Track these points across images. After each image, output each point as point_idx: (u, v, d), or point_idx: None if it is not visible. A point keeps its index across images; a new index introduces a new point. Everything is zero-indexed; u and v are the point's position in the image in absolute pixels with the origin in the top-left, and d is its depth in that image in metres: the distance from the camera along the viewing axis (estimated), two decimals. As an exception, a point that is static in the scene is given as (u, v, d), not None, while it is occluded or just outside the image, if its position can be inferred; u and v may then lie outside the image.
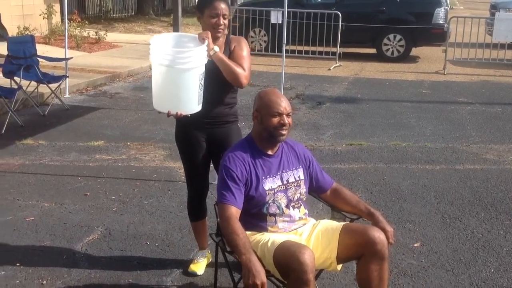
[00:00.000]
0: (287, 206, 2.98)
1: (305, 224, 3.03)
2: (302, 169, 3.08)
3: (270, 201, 2.93)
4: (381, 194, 5.09)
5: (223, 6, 3.31)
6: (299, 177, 3.05)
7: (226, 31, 3.42)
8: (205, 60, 3.20)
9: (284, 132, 2.95)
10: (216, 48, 3.26)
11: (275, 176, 2.98)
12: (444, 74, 11.48)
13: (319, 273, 3.03)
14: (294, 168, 3.06)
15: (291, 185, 3.01)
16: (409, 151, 6.34)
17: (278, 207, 2.95)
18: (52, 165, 5.63)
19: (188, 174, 3.62)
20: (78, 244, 4.00)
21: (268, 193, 2.93)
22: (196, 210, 3.69)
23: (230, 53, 3.40)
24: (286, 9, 7.51)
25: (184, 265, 3.74)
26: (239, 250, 2.64)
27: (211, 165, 3.62)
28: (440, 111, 8.33)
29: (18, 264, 3.70)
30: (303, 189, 3.06)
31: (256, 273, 2.53)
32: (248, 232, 2.82)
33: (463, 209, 4.77)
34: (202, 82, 3.22)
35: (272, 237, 2.83)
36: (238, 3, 20.63)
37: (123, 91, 9.30)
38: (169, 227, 4.31)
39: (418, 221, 4.53)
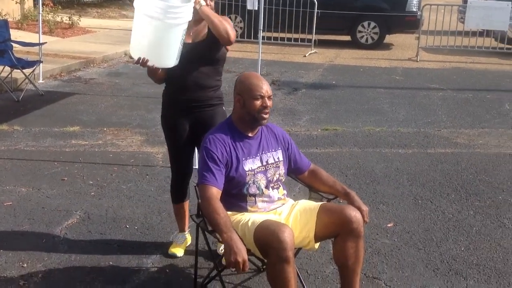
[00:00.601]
0: (267, 187, 3.05)
1: (283, 204, 3.12)
2: (281, 150, 3.15)
3: (250, 182, 3.00)
4: (356, 177, 5.20)
5: None
6: (278, 158, 3.12)
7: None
8: (191, 17, 3.21)
9: (266, 115, 3.02)
10: (202, 2, 3.27)
11: (254, 157, 3.04)
12: (417, 61, 11.67)
13: (297, 252, 3.12)
14: (273, 150, 3.13)
15: (270, 166, 3.08)
16: (382, 136, 6.47)
17: (258, 188, 3.02)
18: (28, 151, 5.61)
19: (173, 157, 3.66)
20: (57, 228, 4.02)
21: (248, 174, 3.00)
22: (179, 192, 3.74)
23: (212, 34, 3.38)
24: (262, -5, 7.53)
25: (164, 247, 3.79)
26: (220, 228, 2.71)
27: (196, 149, 3.66)
28: (412, 97, 8.49)
29: (-3, 248, 3.72)
30: (282, 170, 3.13)
31: (237, 250, 2.60)
32: (228, 212, 2.89)
33: (434, 191, 4.92)
34: (183, 38, 3.23)
35: (252, 217, 2.90)
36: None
37: (98, 76, 9.25)
38: (148, 211, 4.36)
39: (391, 202, 4.66)
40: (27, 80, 7.78)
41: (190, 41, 3.41)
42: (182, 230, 3.86)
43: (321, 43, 12.77)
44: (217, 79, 3.54)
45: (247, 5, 11.76)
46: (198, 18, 3.33)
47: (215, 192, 2.87)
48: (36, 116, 6.86)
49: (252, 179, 3.01)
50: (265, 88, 3.00)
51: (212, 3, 3.38)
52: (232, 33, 3.33)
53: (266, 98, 2.99)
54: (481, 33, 12.53)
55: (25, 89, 7.71)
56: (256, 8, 11.36)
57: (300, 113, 7.44)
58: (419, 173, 5.35)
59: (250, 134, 3.08)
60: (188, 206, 3.81)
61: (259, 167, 3.04)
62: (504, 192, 4.94)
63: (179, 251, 3.74)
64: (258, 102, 2.98)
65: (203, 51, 3.40)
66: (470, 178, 5.26)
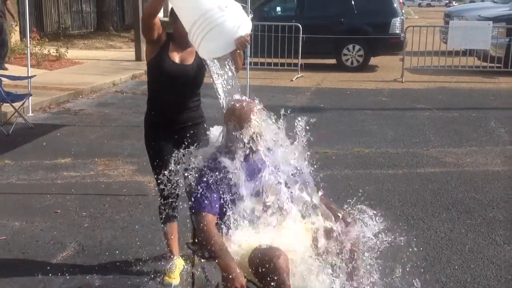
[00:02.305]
0: (263, 209, 3.05)
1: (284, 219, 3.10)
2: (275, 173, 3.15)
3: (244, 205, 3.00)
4: (348, 199, 5.23)
5: None
6: (274, 184, 3.12)
7: None
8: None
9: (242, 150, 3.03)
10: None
11: (250, 181, 3.06)
12: (402, 82, 11.83)
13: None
14: (268, 173, 3.12)
15: (266, 190, 3.08)
16: (372, 157, 6.54)
17: (252, 210, 3.02)
18: (20, 184, 5.61)
19: (159, 180, 3.69)
20: (52, 260, 4.02)
21: (242, 198, 3.00)
22: (168, 213, 3.78)
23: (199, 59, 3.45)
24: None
25: (160, 277, 3.79)
26: (217, 255, 2.73)
27: None
28: (400, 118, 8.60)
29: (-8, 283, 3.71)
30: (279, 196, 3.12)
31: (235, 277, 2.62)
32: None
33: (426, 211, 4.97)
34: None
35: (245, 243, 2.92)
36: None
37: (87, 107, 9.28)
38: (142, 241, 4.36)
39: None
40: (16, 114, 7.79)
41: (179, 62, 3.53)
42: (173, 254, 3.85)
43: (307, 67, 12.93)
44: (198, 99, 3.73)
45: (233, 32, 11.94)
46: (187, 41, 3.23)
47: (211, 218, 2.90)
48: (26, 149, 6.86)
49: (246, 203, 3.01)
50: (245, 113, 3.06)
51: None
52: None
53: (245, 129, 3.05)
54: (464, 53, 12.76)
55: (15, 123, 7.71)
56: (242, 35, 11.51)
57: (289, 137, 7.48)
58: (410, 193, 5.40)
59: (247, 156, 3.08)
60: (177, 229, 3.83)
61: (253, 189, 3.04)
62: (494, 210, 5.00)
63: (174, 279, 3.74)
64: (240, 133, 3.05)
65: (190, 75, 3.52)
66: (460, 196, 5.32)
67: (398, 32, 13.05)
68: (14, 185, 5.59)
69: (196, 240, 3.12)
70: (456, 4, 52.24)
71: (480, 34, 11.85)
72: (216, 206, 2.96)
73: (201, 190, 2.96)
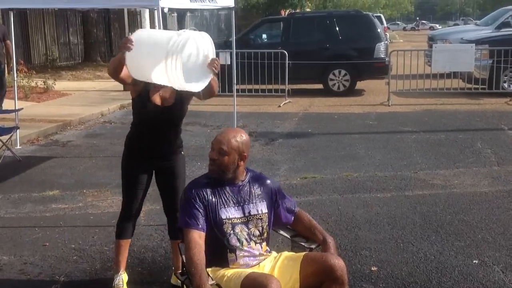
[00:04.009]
0: (248, 240, 3.08)
1: (265, 258, 3.14)
2: (265, 203, 3.18)
3: (229, 232, 3.03)
4: (337, 224, 5.26)
5: None
6: (261, 210, 3.14)
7: None
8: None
9: (210, 166, 3.13)
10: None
11: (235, 207, 3.09)
12: (389, 105, 11.95)
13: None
14: (257, 201, 3.15)
15: (252, 218, 3.11)
16: (360, 181, 6.58)
17: (238, 240, 3.04)
18: (8, 217, 5.57)
19: (126, 198, 3.89)
20: (41, 294, 3.98)
21: (225, 223, 3.03)
22: (126, 229, 3.91)
23: (182, 94, 3.61)
24: (234, 50, 7.76)
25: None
26: (191, 274, 2.82)
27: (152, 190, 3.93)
28: (387, 141, 8.67)
29: (-20, 320, 3.67)
30: (265, 223, 3.16)
31: None
32: (211, 268, 2.92)
33: (415, 233, 4.99)
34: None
35: (237, 271, 2.93)
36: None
37: (75, 139, 9.27)
38: (130, 272, 4.32)
39: (373, 247, 4.70)
40: (4, 147, 7.76)
41: (160, 104, 3.62)
42: (120, 268, 3.92)
43: (294, 93, 13.04)
44: (178, 133, 3.85)
45: (219, 60, 12.05)
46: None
47: (197, 235, 2.95)
48: (14, 182, 6.83)
49: (231, 230, 3.04)
50: (218, 139, 3.10)
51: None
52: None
53: (213, 150, 3.10)
54: (448, 75, 12.93)
55: (3, 156, 7.68)
56: (229, 63, 11.65)
57: (278, 162, 7.53)
58: (399, 216, 5.43)
59: (234, 182, 3.14)
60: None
61: (240, 217, 3.08)
62: (483, 231, 5.03)
63: None
64: (210, 154, 3.12)
65: (173, 115, 3.64)
66: (449, 218, 5.35)
67: (382, 56, 13.24)
68: (2, 218, 5.55)
69: (184, 270, 3.13)
70: (440, 27, 53.14)
71: (463, 56, 12.04)
72: (204, 223, 2.99)
73: (186, 209, 3.02)
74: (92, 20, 22.00)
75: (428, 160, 7.48)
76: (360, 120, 10.48)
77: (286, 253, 3.18)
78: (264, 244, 3.15)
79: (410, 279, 4.13)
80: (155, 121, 3.65)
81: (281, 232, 3.52)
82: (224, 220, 3.03)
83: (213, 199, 3.06)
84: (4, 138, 7.77)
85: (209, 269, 2.98)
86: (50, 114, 10.77)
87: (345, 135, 9.15)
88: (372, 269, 4.30)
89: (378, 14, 26.06)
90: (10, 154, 7.83)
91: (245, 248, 3.06)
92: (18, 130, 8.36)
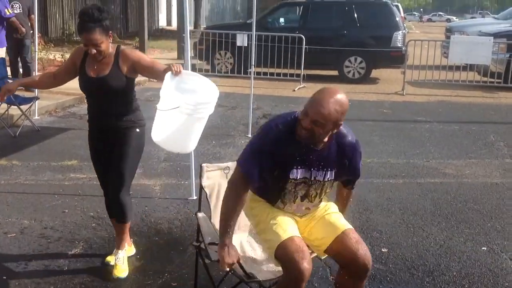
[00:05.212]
0: (302, 199, 3.03)
1: (308, 213, 3.12)
2: (335, 171, 3.00)
3: (290, 190, 2.98)
4: (349, 207, 5.34)
5: (92, 37, 3.51)
6: (327, 178, 2.99)
7: (109, 47, 3.65)
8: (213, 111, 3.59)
9: (302, 132, 2.82)
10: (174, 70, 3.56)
11: (305, 169, 2.94)
12: (403, 95, 11.98)
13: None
14: (328, 169, 2.97)
15: (315, 182, 2.98)
16: (373, 167, 6.66)
17: (295, 196, 3.01)
18: (28, 184, 5.71)
19: (97, 177, 4.04)
20: (61, 257, 4.11)
21: (290, 182, 2.95)
22: (107, 207, 4.05)
23: (123, 68, 3.67)
24: (254, 32, 7.81)
25: (165, 276, 3.90)
26: (221, 229, 2.90)
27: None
28: (400, 130, 8.73)
29: (4, 277, 3.80)
30: (327, 187, 3.05)
31: (229, 259, 2.84)
32: (255, 197, 3.08)
33: (425, 219, 5.08)
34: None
35: (274, 226, 2.96)
36: (203, 26, 20.91)
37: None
38: (146, 242, 4.45)
39: (384, 230, 4.80)
40: (23, 116, 7.91)
41: (94, 75, 3.68)
42: (118, 248, 3.98)
43: (310, 78, 13.08)
44: (126, 106, 3.79)
45: (237, 41, 12.13)
46: (104, 56, 3.63)
47: (245, 182, 2.89)
48: (33, 151, 6.97)
49: (292, 188, 2.97)
50: (315, 109, 2.76)
51: (102, 46, 3.58)
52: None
53: (306, 116, 2.77)
54: (464, 67, 12.91)
55: (22, 125, 7.83)
56: (246, 45, 11.72)
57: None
58: (410, 202, 5.51)
59: (316, 146, 2.90)
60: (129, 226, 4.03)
61: (305, 179, 2.95)
62: (492, 220, 5.11)
63: (121, 273, 3.85)
64: (303, 121, 2.81)
65: (108, 85, 3.66)
66: (459, 206, 5.43)
67: (399, 45, 13.23)
68: (22, 184, 5.69)
69: (200, 240, 3.25)
70: (457, 19, 52.63)
71: (481, 49, 12.02)
72: (259, 175, 2.87)
73: (253, 152, 2.88)
74: (110, -4, 22.07)
75: (441, 150, 7.54)
76: (374, 108, 10.53)
77: (332, 211, 3.13)
78: (317, 200, 3.08)
79: (419, 262, 4.23)
80: (93, 92, 3.76)
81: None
82: (289, 179, 2.92)
83: (286, 154, 2.86)
84: (24, 108, 7.92)
85: (252, 197, 3.06)
86: (68, 87, 10.67)
87: (359, 122, 9.20)
88: (383, 250, 4.40)
89: (396, 3, 25.92)
90: (29, 124, 7.98)
91: (296, 203, 3.04)
92: (37, 101, 8.49)
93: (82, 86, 3.78)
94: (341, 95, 2.85)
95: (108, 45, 3.61)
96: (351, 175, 3.15)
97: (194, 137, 3.71)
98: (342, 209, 3.27)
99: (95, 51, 3.55)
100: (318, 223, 3.10)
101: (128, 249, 4.07)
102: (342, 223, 3.07)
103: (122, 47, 3.78)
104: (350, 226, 3.07)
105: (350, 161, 3.04)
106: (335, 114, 2.77)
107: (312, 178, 2.96)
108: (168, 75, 3.51)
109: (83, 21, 3.50)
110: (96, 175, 4.06)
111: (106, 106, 3.75)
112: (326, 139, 2.90)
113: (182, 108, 3.40)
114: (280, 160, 2.87)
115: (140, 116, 3.88)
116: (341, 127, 2.91)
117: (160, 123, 3.59)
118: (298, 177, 2.93)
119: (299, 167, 2.91)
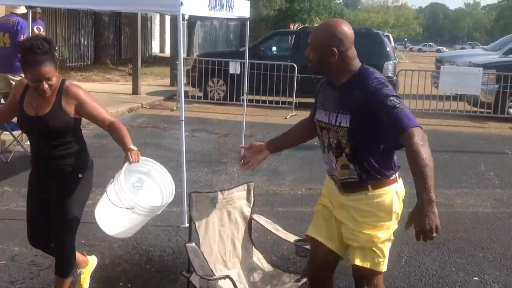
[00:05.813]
0: (327, 148, 2.91)
1: (348, 179, 2.89)
2: (350, 116, 2.73)
3: (320, 134, 2.95)
4: (427, 175, 5.31)
5: (46, 69, 3.21)
6: (339, 123, 2.77)
7: (55, 81, 3.32)
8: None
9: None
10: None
11: (325, 110, 2.88)
12: (395, 124, 12.05)
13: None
14: (342, 112, 2.76)
15: (331, 128, 2.83)
16: (365, 195, 6.67)
17: (323, 143, 2.95)
18: (19, 211, 5.66)
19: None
20: (52, 285, 4.06)
21: (316, 123, 2.96)
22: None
23: (66, 106, 3.37)
24: (247, 60, 7.89)
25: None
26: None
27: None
28: (392, 158, 8.76)
29: (-7, 306, 3.77)
30: (344, 138, 2.78)
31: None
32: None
33: (417, 249, 5.09)
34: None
35: (315, 213, 3.22)
36: (197, 53, 21.09)
37: (85, 138, 9.31)
38: (138, 269, 4.43)
39: (377, 259, 4.80)
40: (15, 142, 7.89)
41: (33, 114, 3.38)
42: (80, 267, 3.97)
43: (301, 106, 13.16)
44: (68, 149, 3.47)
45: (229, 69, 12.25)
46: (43, 90, 3.28)
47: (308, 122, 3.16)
48: (25, 176, 6.78)
49: (320, 132, 2.93)
50: (311, 32, 2.88)
51: (52, 81, 3.29)
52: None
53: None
54: (454, 97, 13.07)
55: (14, 151, 7.81)
56: (238, 72, 11.83)
57: (285, 173, 7.64)
58: (401, 231, 5.51)
59: (334, 82, 2.86)
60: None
61: (325, 122, 2.87)
62: (484, 250, 5.13)
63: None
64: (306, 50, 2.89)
65: (47, 125, 3.34)
66: (451, 236, 5.45)
67: (390, 75, 13.37)
68: (13, 211, 5.66)
69: (191, 270, 3.25)
70: (447, 50, 53.40)
71: (470, 80, 12.20)
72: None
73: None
74: (104, 23, 22.24)
75: (432, 179, 7.57)
76: (366, 136, 10.58)
77: (360, 237, 3.02)
78: (342, 158, 2.83)
79: (411, 292, 4.23)
80: (32, 132, 3.48)
81: (281, 235, 3.64)
82: (316, 120, 2.94)
83: (319, 96, 2.96)
84: (16, 133, 7.89)
85: None
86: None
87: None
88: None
89: (387, 34, 26.33)
90: (21, 149, 7.95)
91: (326, 154, 2.94)
92: (29, 126, 8.47)
93: (20, 125, 3.53)
94: (336, 23, 2.79)
95: (57, 79, 3.34)
96: (389, 130, 2.66)
97: (136, 228, 3.72)
98: (416, 181, 2.75)
99: (47, 86, 3.25)
100: (349, 220, 2.98)
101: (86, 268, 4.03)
102: (360, 236, 2.98)
103: (67, 82, 3.43)
104: (359, 263, 2.97)
105: (372, 108, 2.64)
106: (325, 36, 2.73)
107: (329, 121, 2.81)
108: (125, 165, 3.44)
109: (34, 54, 3.16)
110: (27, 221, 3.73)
111: (45, 148, 3.43)
112: (348, 74, 2.78)
113: (135, 209, 3.45)
114: (317, 100, 3.02)
115: (84, 157, 3.61)
116: (366, 67, 2.82)
117: (106, 206, 3.52)
118: (320, 119, 2.90)
119: (321, 107, 2.92)
